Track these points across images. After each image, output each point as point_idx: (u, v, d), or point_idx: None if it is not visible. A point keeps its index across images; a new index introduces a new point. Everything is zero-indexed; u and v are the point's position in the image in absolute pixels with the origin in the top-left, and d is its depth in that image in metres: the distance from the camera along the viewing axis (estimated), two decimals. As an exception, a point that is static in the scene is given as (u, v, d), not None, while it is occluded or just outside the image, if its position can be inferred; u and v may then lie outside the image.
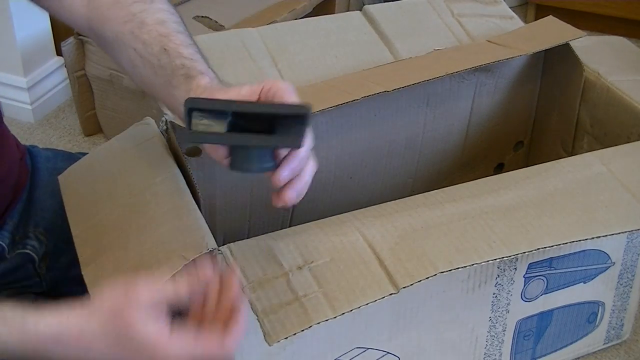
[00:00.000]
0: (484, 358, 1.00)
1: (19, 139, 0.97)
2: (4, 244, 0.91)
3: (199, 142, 0.63)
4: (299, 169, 0.66)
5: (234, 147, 0.65)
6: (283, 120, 0.64)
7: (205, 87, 0.70)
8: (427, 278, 0.75)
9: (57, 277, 0.97)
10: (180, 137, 0.76)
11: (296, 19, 1.60)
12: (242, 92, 0.67)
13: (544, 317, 1.01)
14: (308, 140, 0.66)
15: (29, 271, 0.94)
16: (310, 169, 0.68)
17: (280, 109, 0.64)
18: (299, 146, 0.63)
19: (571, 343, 1.07)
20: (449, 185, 0.87)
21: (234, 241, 0.78)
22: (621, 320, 1.10)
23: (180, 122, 0.84)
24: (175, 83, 0.72)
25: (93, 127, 1.64)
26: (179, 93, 0.71)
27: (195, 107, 0.62)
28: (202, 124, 0.63)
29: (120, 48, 0.77)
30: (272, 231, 0.81)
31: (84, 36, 1.47)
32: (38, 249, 0.94)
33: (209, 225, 0.77)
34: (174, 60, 0.73)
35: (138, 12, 0.76)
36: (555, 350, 1.07)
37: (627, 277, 1.04)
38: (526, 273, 0.94)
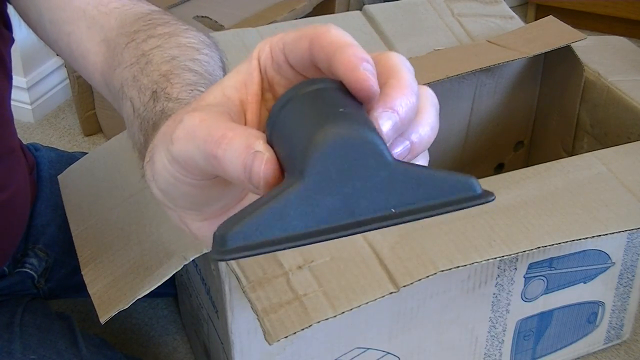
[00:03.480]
0: (484, 358, 1.00)
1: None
2: (4, 266, 0.90)
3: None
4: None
5: None
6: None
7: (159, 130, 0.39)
8: (427, 277, 0.75)
9: (55, 287, 0.96)
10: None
11: (296, 19, 1.60)
12: (227, 91, 0.35)
13: (544, 317, 1.01)
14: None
15: (27, 285, 0.94)
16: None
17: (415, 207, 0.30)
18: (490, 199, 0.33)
19: (571, 343, 1.07)
20: (449, 185, 0.87)
21: (234, 241, 0.78)
22: (621, 320, 1.09)
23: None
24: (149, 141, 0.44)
25: (93, 127, 1.64)
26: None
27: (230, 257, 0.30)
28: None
29: (123, 101, 0.53)
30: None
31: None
32: (37, 267, 0.93)
33: (209, 225, 0.77)
34: (156, 106, 0.47)
35: (149, 49, 0.54)
36: (556, 351, 1.07)
37: (627, 277, 1.04)
38: (526, 273, 0.94)
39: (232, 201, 0.37)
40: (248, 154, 0.30)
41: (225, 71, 0.55)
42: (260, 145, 0.30)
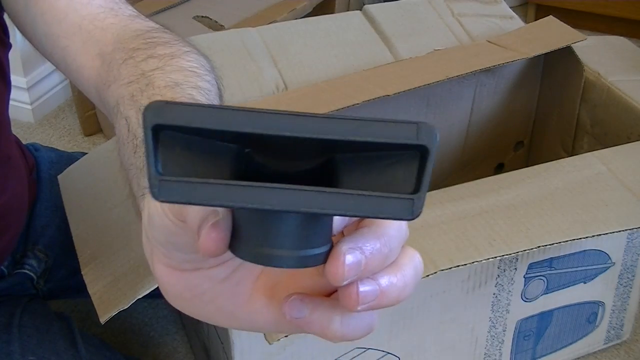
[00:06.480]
0: (484, 358, 1.00)
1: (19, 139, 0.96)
2: (3, 267, 0.90)
3: (172, 201, 0.27)
4: (381, 259, 0.31)
5: (246, 211, 0.30)
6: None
7: None
8: (427, 276, 0.75)
9: (55, 288, 0.96)
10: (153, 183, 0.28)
11: (296, 18, 1.60)
12: None
13: (544, 317, 1.01)
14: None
15: (27, 286, 0.94)
16: (411, 260, 0.33)
17: (365, 133, 0.28)
18: (409, 216, 0.29)
19: (571, 343, 1.07)
20: (449, 185, 0.87)
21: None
22: (621, 320, 1.09)
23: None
24: None
25: (93, 127, 1.64)
26: None
27: (168, 123, 0.27)
28: (181, 160, 0.28)
29: (118, 119, 0.52)
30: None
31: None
32: (37, 268, 0.93)
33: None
34: None
35: (150, 70, 0.53)
36: (556, 351, 1.07)
37: (627, 277, 1.04)
38: (526, 273, 0.94)
39: (205, 264, 0.35)
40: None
41: (222, 100, 0.54)
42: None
